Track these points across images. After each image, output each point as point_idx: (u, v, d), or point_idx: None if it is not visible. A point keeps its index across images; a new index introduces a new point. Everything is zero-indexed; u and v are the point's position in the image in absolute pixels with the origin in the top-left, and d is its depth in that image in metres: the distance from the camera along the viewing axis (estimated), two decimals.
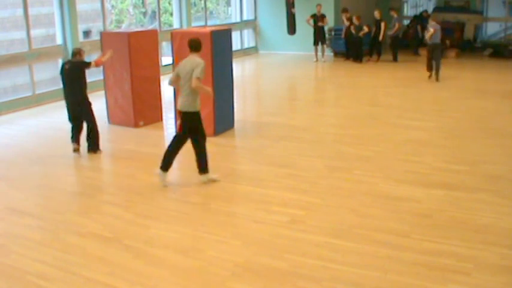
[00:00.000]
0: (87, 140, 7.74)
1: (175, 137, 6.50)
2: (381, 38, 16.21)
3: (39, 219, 5.69)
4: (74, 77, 7.45)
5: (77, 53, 7.59)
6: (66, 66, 7.53)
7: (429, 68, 12.91)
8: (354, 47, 16.06)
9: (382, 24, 16.07)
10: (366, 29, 15.81)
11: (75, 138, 7.71)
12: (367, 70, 15.05)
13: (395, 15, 16.19)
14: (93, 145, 7.73)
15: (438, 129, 8.72)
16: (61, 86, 7.67)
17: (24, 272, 4.57)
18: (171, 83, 6.44)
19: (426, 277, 4.31)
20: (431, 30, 12.52)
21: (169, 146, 6.42)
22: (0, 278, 4.50)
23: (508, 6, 18.52)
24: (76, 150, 7.70)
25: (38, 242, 5.13)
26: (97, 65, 7.74)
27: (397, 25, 16.01)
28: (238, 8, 18.54)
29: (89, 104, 7.62)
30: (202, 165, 6.41)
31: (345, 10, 16.14)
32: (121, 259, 4.74)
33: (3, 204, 6.07)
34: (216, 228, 5.34)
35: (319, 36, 16.07)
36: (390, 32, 16.14)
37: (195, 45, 6.17)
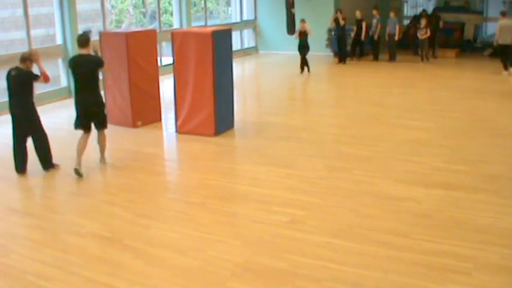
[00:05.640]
0: (38, 156, 7.01)
1: None
2: (363, 37, 16.15)
3: (39, 219, 5.68)
4: (21, 85, 6.73)
5: (27, 58, 6.76)
6: (13, 73, 6.75)
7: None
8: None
9: (363, 24, 15.99)
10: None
11: (22, 166, 6.96)
12: (366, 70, 15.05)
13: (377, 15, 15.97)
14: (45, 161, 7.04)
15: (438, 129, 8.71)
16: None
17: (24, 272, 4.57)
18: None
19: (426, 277, 4.30)
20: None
21: None
22: (0, 278, 4.50)
23: (508, 6, 18.49)
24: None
25: (38, 242, 5.13)
26: (45, 78, 6.90)
27: (378, 26, 15.88)
28: (238, 8, 18.55)
29: (37, 116, 6.89)
30: None
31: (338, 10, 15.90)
32: (121, 259, 4.74)
33: (3, 204, 6.07)
34: (216, 228, 5.33)
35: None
36: (375, 35, 15.98)
37: None
